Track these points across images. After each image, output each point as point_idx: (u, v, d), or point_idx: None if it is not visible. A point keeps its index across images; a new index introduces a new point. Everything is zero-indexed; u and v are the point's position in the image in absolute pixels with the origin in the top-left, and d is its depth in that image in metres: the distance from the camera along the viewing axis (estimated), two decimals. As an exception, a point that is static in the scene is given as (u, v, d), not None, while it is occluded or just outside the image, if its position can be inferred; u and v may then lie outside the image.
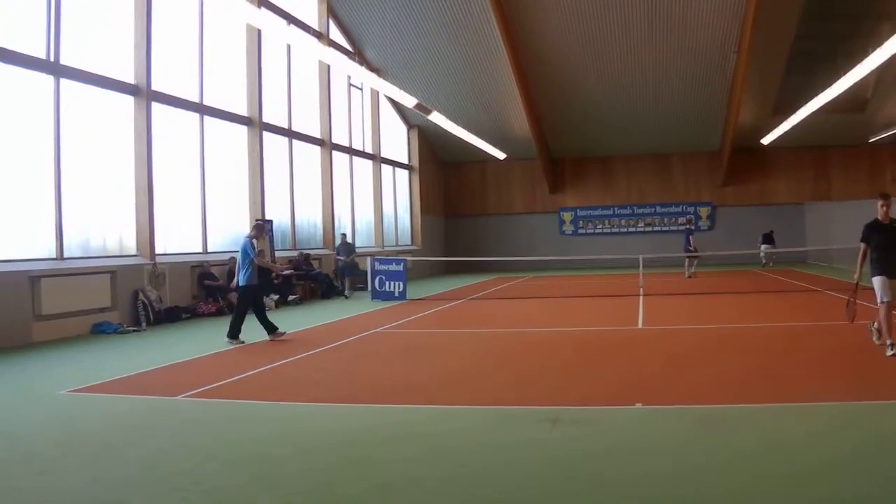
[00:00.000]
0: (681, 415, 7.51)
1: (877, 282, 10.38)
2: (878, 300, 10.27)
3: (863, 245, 10.75)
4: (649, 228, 39.04)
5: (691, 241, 28.12)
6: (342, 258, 24.54)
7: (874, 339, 10.57)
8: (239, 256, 13.85)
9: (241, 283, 13.73)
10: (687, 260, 28.45)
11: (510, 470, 5.91)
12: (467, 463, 6.12)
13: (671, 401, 8.13)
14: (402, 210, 35.63)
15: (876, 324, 10.61)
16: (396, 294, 21.64)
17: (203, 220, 20.37)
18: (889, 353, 9.74)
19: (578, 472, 5.80)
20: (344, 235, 25.59)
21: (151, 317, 16.81)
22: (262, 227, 14.82)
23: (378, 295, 21.59)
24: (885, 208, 10.42)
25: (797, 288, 22.54)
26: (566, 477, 5.68)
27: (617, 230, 39.40)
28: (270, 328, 13.70)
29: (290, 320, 16.89)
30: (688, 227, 29.52)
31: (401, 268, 22.07)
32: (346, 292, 23.68)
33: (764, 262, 33.66)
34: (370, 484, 5.57)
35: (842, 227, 31.01)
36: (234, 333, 13.38)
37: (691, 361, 10.73)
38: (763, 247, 32.98)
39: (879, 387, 8.32)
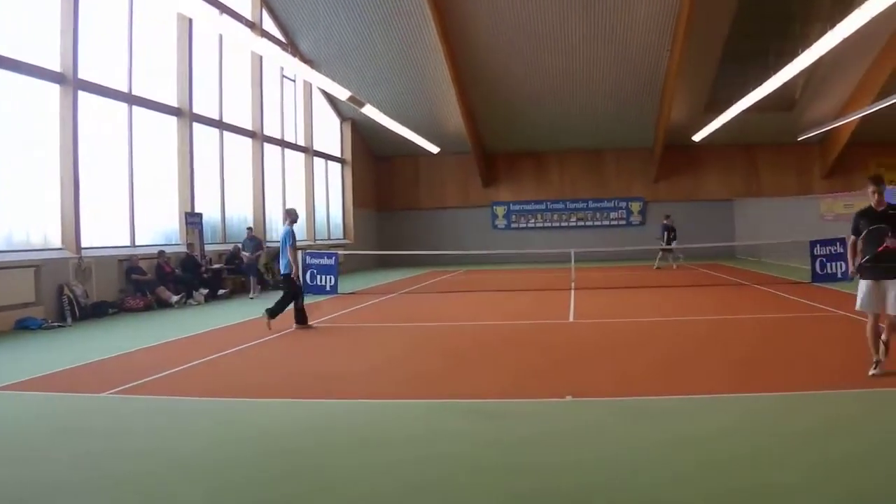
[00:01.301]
0: (610, 407, 7.61)
1: (863, 286, 8.74)
2: (860, 306, 8.75)
3: (852, 238, 9.00)
4: (581, 223, 39.29)
5: (666, 235, 29.15)
6: (247, 254, 22.19)
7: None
8: (281, 244, 14.29)
9: (283, 271, 14.30)
10: (661, 252, 29.52)
11: (435, 460, 5.99)
12: (393, 453, 6.18)
13: (601, 393, 8.25)
14: (335, 204, 35.39)
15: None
16: (328, 288, 21.54)
17: (131, 213, 19.95)
18: (872, 371, 8.37)
19: (504, 463, 5.84)
20: (250, 229, 23.50)
21: (77, 312, 16.40)
22: (292, 212, 14.80)
23: (309, 289, 21.39)
24: (877, 195, 8.79)
25: (726, 282, 22.88)
26: (491, 466, 5.77)
27: (549, 225, 39.61)
28: (302, 318, 14.17)
29: (220, 315, 16.76)
30: (665, 222, 29.79)
31: (332, 262, 21.96)
32: (252, 293, 21.51)
33: (672, 258, 34.33)
34: (300, 479, 5.57)
35: (770, 223, 31.74)
36: (274, 313, 13.88)
37: (621, 354, 10.86)
38: (673, 243, 33.57)
39: (801, 378, 8.49)
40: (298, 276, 14.91)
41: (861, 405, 7.36)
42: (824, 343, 11.45)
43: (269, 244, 25.93)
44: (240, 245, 22.93)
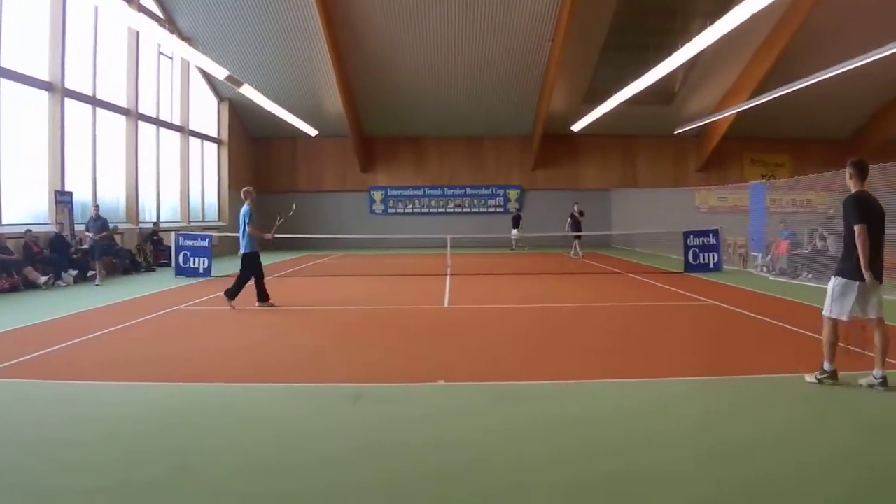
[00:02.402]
0: (481, 391, 7.83)
1: (845, 288, 7.93)
2: (835, 313, 7.97)
3: (864, 227, 7.72)
4: (459, 209, 39.74)
5: (571, 222, 29.60)
6: (91, 235, 20.06)
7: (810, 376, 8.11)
8: (239, 223, 14.58)
9: (243, 251, 14.59)
10: (574, 241, 29.84)
11: (301, 442, 6.18)
12: (259, 435, 6.33)
13: (472, 377, 8.45)
14: (210, 185, 34.84)
15: (877, 371, 7.81)
16: (201, 270, 21.34)
17: (-3, 190, 19.35)
18: (869, 381, 7.77)
19: (372, 445, 6.02)
20: (97, 208, 20.96)
21: (-62, 292, 15.91)
22: (250, 192, 15.09)
23: (182, 271, 21.23)
24: (853, 179, 8.01)
25: (601, 271, 23.47)
26: (358, 448, 5.93)
27: (427, 210, 39.92)
28: (263, 296, 14.78)
29: (90, 296, 16.47)
30: (573, 211, 30.07)
31: (206, 244, 21.76)
32: (98, 279, 19.90)
33: (515, 245, 35.39)
34: (167, 464, 5.62)
35: (646, 214, 32.74)
36: (233, 294, 14.52)
37: (494, 339, 11.08)
38: (513, 231, 34.55)
39: (669, 365, 8.69)
40: (272, 238, 15.59)
41: (722, 391, 7.72)
42: (694, 330, 11.97)
43: (142, 224, 25.53)
44: (86, 224, 22.45)
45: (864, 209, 7.75)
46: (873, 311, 7.88)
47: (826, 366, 7.99)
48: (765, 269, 21.64)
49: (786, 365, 9.01)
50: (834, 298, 7.97)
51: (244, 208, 14.64)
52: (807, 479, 5.34)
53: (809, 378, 8.04)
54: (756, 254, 22.81)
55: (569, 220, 29.98)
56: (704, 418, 6.85)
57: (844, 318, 7.91)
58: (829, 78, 22.45)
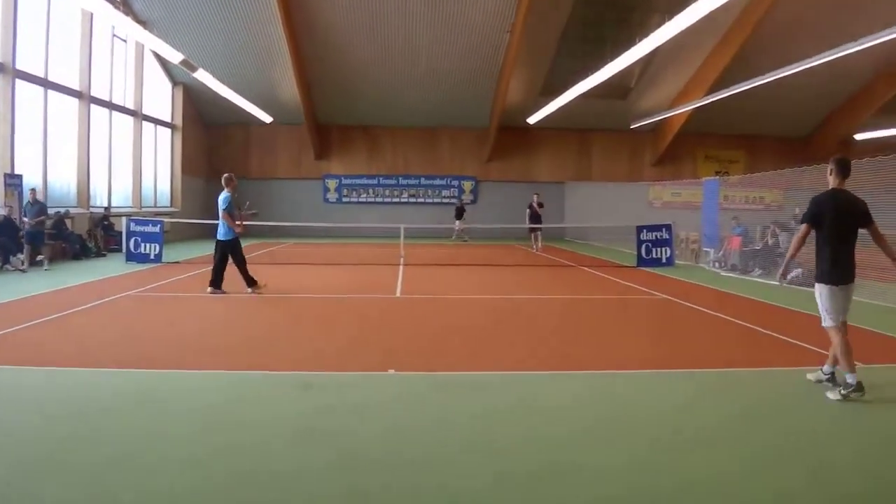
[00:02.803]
0: (431, 381, 7.91)
1: (826, 292, 7.68)
2: (827, 321, 7.69)
3: (807, 227, 7.81)
4: (413, 199, 39.78)
5: (532, 214, 29.26)
6: (28, 220, 19.33)
7: (836, 392, 7.50)
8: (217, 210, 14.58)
9: (223, 237, 14.61)
10: (531, 233, 29.56)
11: (249, 428, 6.21)
12: (207, 421, 6.37)
13: (423, 367, 8.53)
14: (163, 170, 34.51)
15: (826, 367, 7.96)
16: (152, 256, 21.24)
17: (-56, 172, 19.06)
18: (840, 394, 7.42)
19: (328, 434, 6.07)
20: (34, 191, 20.21)
21: None
22: (231, 179, 15.09)
23: (133, 257, 21.10)
24: (837, 176, 7.80)
25: (553, 263, 23.71)
26: (311, 436, 5.99)
27: (381, 200, 39.95)
28: (250, 281, 14.88)
29: (38, 281, 16.34)
30: (532, 203, 29.74)
31: (157, 229, 21.63)
32: (46, 264, 19.53)
33: (455, 236, 35.51)
34: (106, 450, 5.62)
35: (600, 208, 33.09)
36: (216, 284, 14.70)
37: (445, 329, 11.20)
38: (456, 222, 34.77)
39: (616, 358, 8.80)
40: (244, 227, 15.38)
41: (671, 385, 7.84)
42: (644, 324, 12.18)
43: (93, 209, 25.31)
44: (63, 212, 22.26)
45: (817, 209, 7.64)
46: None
47: (849, 378, 7.37)
48: (716, 264, 21.97)
49: (735, 360, 9.21)
50: (824, 306, 7.69)
51: (225, 195, 14.63)
52: (744, 473, 5.45)
53: (833, 395, 7.43)
54: (708, 249, 23.16)
55: (528, 211, 29.73)
56: (650, 411, 6.97)
57: (837, 323, 7.58)
58: (785, 77, 22.81)
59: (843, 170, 7.73)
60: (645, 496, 4.99)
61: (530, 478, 5.24)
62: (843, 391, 7.37)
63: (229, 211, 14.60)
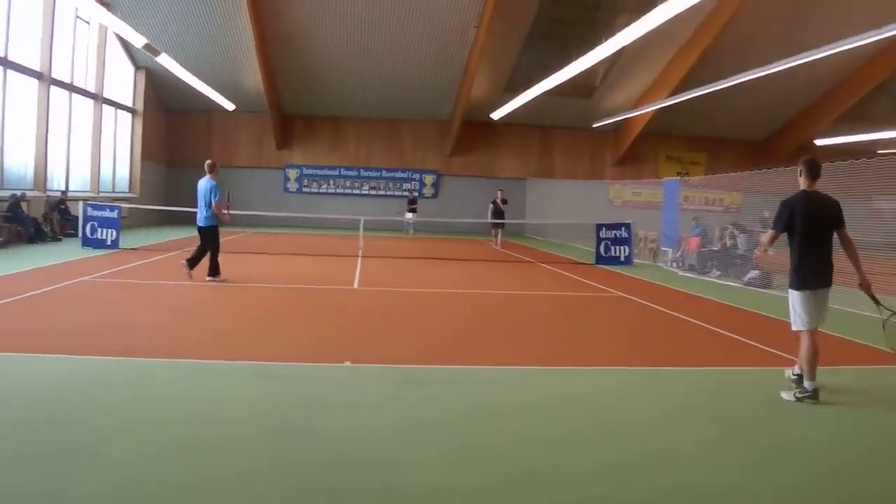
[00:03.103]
0: (387, 374, 7.92)
1: (798, 297, 7.64)
2: (797, 325, 7.68)
3: (775, 233, 7.80)
4: (374, 192, 39.72)
5: (495, 210, 28.80)
6: None
7: (791, 394, 7.58)
8: (202, 197, 14.71)
9: (206, 224, 14.76)
10: (493, 229, 28.95)
11: (202, 422, 6.15)
12: (163, 413, 6.30)
13: (379, 360, 8.52)
14: (122, 155, 34.08)
15: (797, 368, 7.89)
16: (109, 242, 21.05)
17: None
18: (794, 396, 7.49)
19: (281, 425, 6.08)
20: None
21: None
22: (215, 166, 15.22)
23: (89, 242, 20.93)
24: (807, 178, 7.72)
25: (513, 259, 23.83)
26: (265, 430, 5.94)
27: (342, 191, 39.85)
28: (215, 270, 14.95)
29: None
30: (496, 198, 29.30)
31: (115, 215, 21.42)
32: None
33: (407, 229, 35.38)
34: (61, 440, 5.55)
35: (560, 205, 33.27)
36: (214, 272, 14.88)
37: (401, 322, 11.28)
38: (407, 214, 34.68)
39: (573, 354, 8.84)
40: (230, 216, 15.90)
41: (625, 382, 7.86)
42: (600, 321, 12.36)
43: (49, 193, 25.04)
44: (20, 195, 21.91)
45: (789, 212, 7.54)
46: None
47: (807, 384, 7.43)
48: (674, 264, 22.21)
49: (688, 357, 9.38)
50: (795, 310, 7.64)
51: (211, 183, 14.76)
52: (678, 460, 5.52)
53: (787, 396, 7.52)
54: (667, 249, 23.39)
55: (490, 206, 29.45)
56: (604, 406, 7.04)
57: (810, 328, 7.53)
58: (747, 82, 23.09)
59: (813, 171, 7.65)
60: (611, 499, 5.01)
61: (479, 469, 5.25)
62: (798, 394, 7.43)
63: (219, 200, 14.77)
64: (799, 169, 7.72)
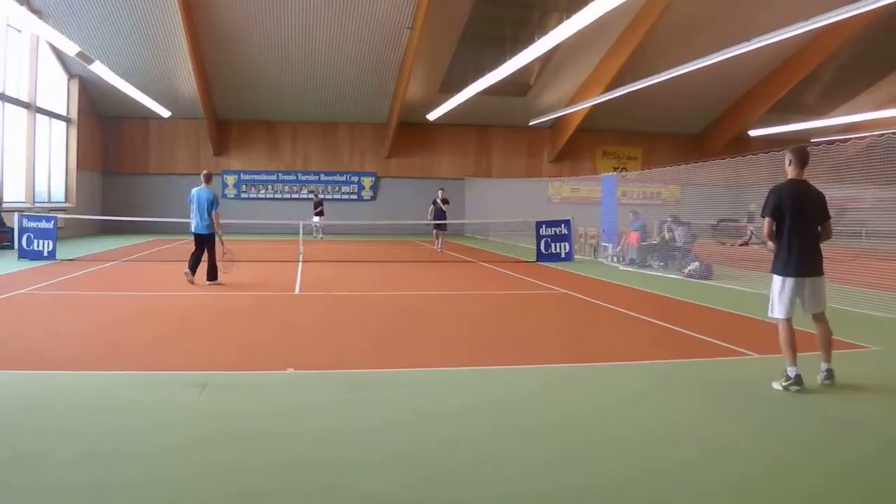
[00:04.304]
0: (330, 379, 7.91)
1: (777, 283, 7.68)
2: (774, 311, 7.72)
3: (770, 221, 7.68)
4: (312, 195, 39.73)
5: (433, 209, 27.29)
6: None
7: (779, 382, 7.54)
8: (203, 206, 15.60)
9: (200, 231, 15.74)
10: (435, 231, 27.54)
11: (154, 432, 6.07)
12: (102, 423, 6.27)
13: (321, 366, 8.51)
14: (57, 165, 33.63)
15: (824, 364, 7.69)
16: (45, 253, 20.81)
17: None
18: (780, 385, 7.50)
19: (222, 434, 6.04)
20: None
21: None
22: (211, 176, 16.51)
23: (25, 254, 20.74)
24: (795, 166, 7.71)
25: (454, 259, 23.97)
26: (203, 438, 5.95)
27: (280, 196, 39.82)
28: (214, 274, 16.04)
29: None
30: (436, 198, 27.53)
31: (51, 225, 21.20)
32: None
33: (315, 233, 34.31)
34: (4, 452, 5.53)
35: (499, 203, 33.56)
36: (213, 277, 15.91)
37: (343, 327, 11.27)
38: (315, 218, 34.09)
39: (516, 354, 8.93)
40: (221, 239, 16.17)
41: (570, 379, 7.94)
42: (543, 319, 12.46)
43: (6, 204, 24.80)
44: None
45: (777, 200, 7.55)
46: (814, 306, 7.64)
47: (789, 371, 7.45)
48: (615, 259, 22.52)
49: (633, 352, 9.50)
50: (773, 297, 7.68)
51: (211, 193, 15.58)
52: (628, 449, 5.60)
53: (776, 385, 7.50)
54: (607, 244, 23.70)
55: (431, 207, 27.64)
56: (549, 403, 7.15)
57: (785, 317, 7.58)
58: (680, 76, 23.57)
59: (802, 159, 7.65)
60: (559, 494, 5.04)
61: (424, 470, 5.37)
62: (783, 383, 7.45)
63: (218, 209, 15.59)
64: (788, 158, 7.72)
